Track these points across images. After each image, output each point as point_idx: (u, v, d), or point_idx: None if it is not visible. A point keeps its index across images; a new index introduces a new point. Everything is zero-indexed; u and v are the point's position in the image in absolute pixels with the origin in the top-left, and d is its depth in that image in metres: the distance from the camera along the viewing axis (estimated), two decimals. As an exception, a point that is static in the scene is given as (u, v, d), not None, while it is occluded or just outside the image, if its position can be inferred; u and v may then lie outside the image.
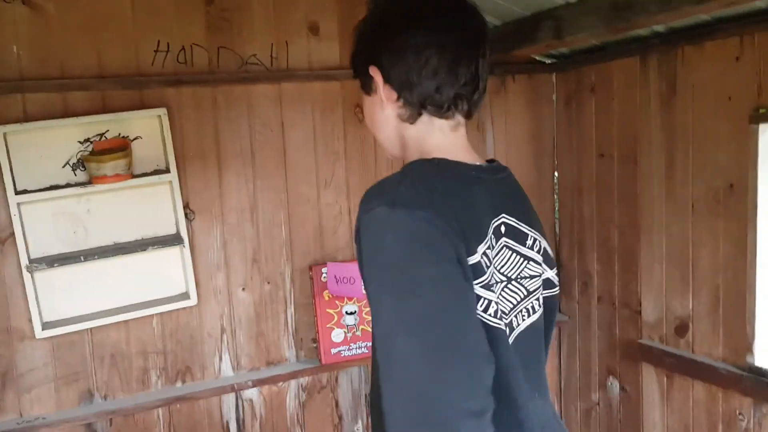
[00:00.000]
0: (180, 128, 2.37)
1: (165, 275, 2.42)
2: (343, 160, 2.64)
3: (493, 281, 1.01)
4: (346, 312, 2.63)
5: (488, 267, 1.00)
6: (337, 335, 2.62)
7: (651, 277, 2.55)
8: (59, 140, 2.22)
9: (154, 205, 2.37)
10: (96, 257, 2.25)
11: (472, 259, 0.96)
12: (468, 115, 1.12)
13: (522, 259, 1.11)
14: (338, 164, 2.64)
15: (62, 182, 2.23)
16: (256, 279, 2.55)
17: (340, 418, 2.73)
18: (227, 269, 2.50)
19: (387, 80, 1.08)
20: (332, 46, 2.57)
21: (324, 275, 2.59)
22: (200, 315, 2.48)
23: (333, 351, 2.62)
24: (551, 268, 1.21)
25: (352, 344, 2.63)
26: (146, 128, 2.32)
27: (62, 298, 2.29)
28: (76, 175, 2.25)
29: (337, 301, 2.62)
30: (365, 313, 2.65)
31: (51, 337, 2.27)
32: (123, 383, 2.40)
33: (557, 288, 1.25)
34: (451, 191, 1.00)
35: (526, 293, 1.13)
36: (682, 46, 2.30)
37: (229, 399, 2.55)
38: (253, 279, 2.54)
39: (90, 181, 2.21)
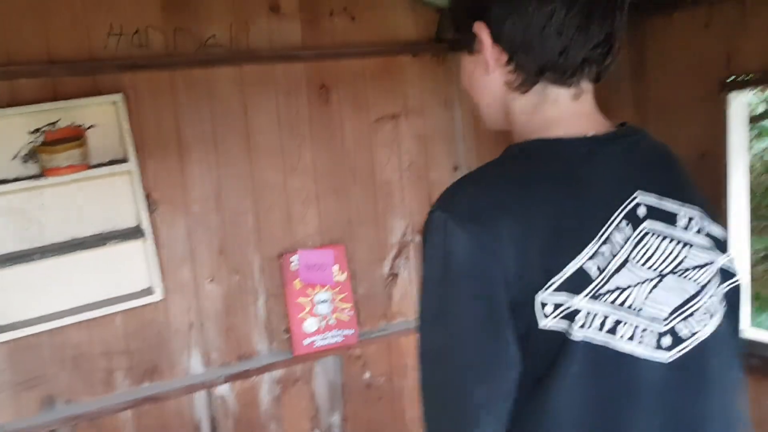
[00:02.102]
0: (138, 115, 2.25)
1: (127, 270, 2.30)
2: (309, 143, 2.55)
3: (617, 285, 0.81)
4: (319, 300, 2.55)
5: (602, 270, 0.80)
6: (310, 325, 2.54)
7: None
8: (7, 131, 2.08)
9: (113, 196, 2.25)
10: (52, 254, 2.12)
11: (567, 271, 0.79)
12: (596, 80, 0.91)
13: (679, 245, 0.86)
14: (305, 148, 2.55)
15: (11, 176, 2.10)
16: (224, 270, 2.45)
17: (317, 410, 2.66)
18: (193, 261, 2.40)
19: (497, 39, 0.88)
20: (294, 25, 2.47)
21: (294, 263, 2.50)
22: (166, 310, 2.37)
23: (306, 341, 2.54)
24: (725, 252, 0.94)
25: (326, 333, 2.56)
26: (101, 116, 2.19)
27: (17, 299, 2.15)
28: (27, 167, 2.11)
29: (308, 290, 2.54)
30: (338, 301, 2.58)
31: (6, 342, 2.13)
32: (87, 386, 2.28)
33: (737, 278, 0.96)
34: (545, 189, 0.82)
35: (695, 291, 0.87)
36: (651, 15, 2.28)
37: (200, 397, 2.45)
38: (220, 270, 2.44)
39: (42, 174, 2.08)
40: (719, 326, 0.89)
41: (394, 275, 2.74)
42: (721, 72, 2.10)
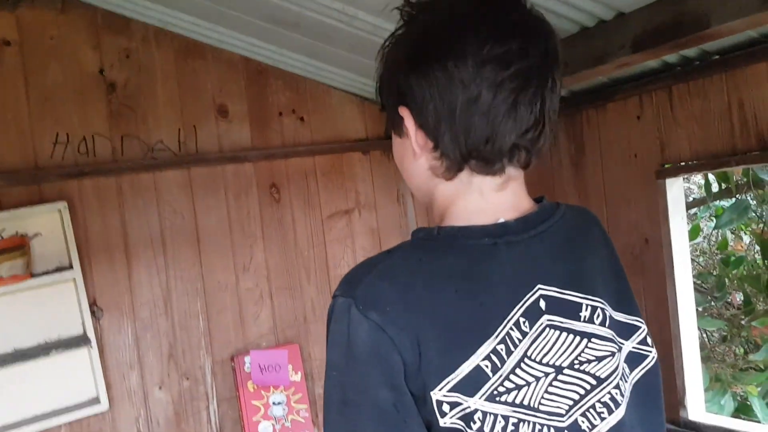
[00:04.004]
0: (83, 221, 2.24)
1: (72, 380, 2.23)
2: (261, 242, 2.56)
3: (515, 383, 0.79)
4: (273, 402, 2.49)
5: (499, 369, 0.78)
6: (265, 428, 2.46)
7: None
8: (-52, 243, 2.06)
9: (57, 305, 2.21)
10: (-7, 367, 2.06)
11: (462, 371, 0.76)
12: (525, 166, 0.86)
13: (577, 337, 0.84)
14: (256, 247, 2.55)
15: (-47, 288, 2.06)
16: (174, 376, 2.39)
17: None
18: (141, 368, 2.34)
19: (421, 125, 0.84)
20: (243, 127, 2.52)
21: (247, 365, 2.46)
22: (113, 420, 2.29)
23: (262, 446, 2.46)
24: (631, 336, 0.92)
25: (281, 437, 2.48)
26: (46, 224, 2.18)
27: (-45, 416, 2.08)
28: (-32, 278, 2.08)
29: (263, 392, 2.48)
30: (294, 402, 2.51)
31: (-57, 461, 2.05)
32: (28, 505, 2.17)
33: (652, 355, 0.93)
34: (443, 285, 0.79)
35: (594, 382, 0.84)
36: (586, 108, 2.36)
37: None
38: (170, 376, 2.38)
39: (-16, 285, 2.05)
40: (625, 417, 0.86)
41: (352, 372, 2.68)
42: (657, 159, 2.16)
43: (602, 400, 0.84)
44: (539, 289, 0.82)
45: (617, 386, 0.86)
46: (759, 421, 2.82)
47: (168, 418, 2.38)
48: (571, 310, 0.84)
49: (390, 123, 0.91)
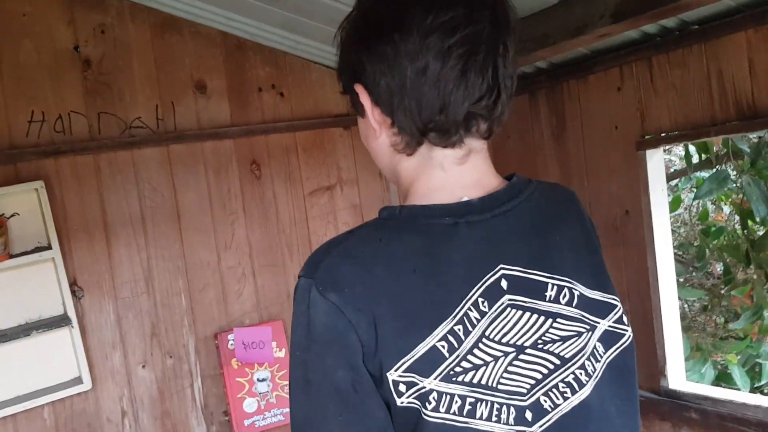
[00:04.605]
0: (61, 200, 2.22)
1: (54, 360, 2.22)
2: (242, 219, 2.54)
3: (472, 363, 0.79)
4: (258, 379, 2.49)
5: (456, 349, 0.78)
6: (250, 405, 2.47)
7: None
8: (-77, 224, 2.04)
9: (37, 285, 2.19)
10: (-27, 348, 2.05)
11: (417, 352, 0.76)
12: (488, 136, 0.85)
13: (541, 317, 0.83)
14: (238, 224, 2.53)
15: (-71, 269, 2.04)
16: (157, 354, 2.38)
17: (261, 493, 2.56)
18: (123, 347, 2.33)
19: (377, 102, 0.84)
20: (222, 103, 2.49)
21: (231, 342, 2.45)
22: (96, 399, 2.29)
23: (247, 422, 2.46)
24: (608, 315, 0.90)
25: (266, 413, 2.49)
26: (23, 203, 2.16)
27: (-64, 398, 2.07)
28: (-55, 260, 2.06)
29: (247, 369, 2.48)
30: (278, 378, 2.52)
31: (-75, 443, 2.04)
32: (14, 485, 2.17)
33: (628, 335, 0.92)
34: (403, 266, 0.79)
35: (558, 362, 0.83)
36: (567, 80, 2.36)
37: (137, 488, 2.35)
38: (153, 354, 2.38)
39: (-39, 266, 2.03)
40: (591, 396, 0.85)
41: (336, 348, 2.69)
42: (637, 130, 2.16)
43: (566, 380, 0.84)
44: (501, 269, 0.82)
45: (583, 366, 0.85)
46: (738, 389, 2.87)
47: (152, 397, 2.38)
48: (536, 290, 0.84)
49: (352, 104, 0.90)
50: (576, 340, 0.85)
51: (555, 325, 0.84)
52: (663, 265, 2.15)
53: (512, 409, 0.80)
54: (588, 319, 0.87)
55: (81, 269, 2.26)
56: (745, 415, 1.93)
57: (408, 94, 0.80)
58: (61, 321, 2.19)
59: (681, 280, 3.34)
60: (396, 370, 0.77)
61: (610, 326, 0.90)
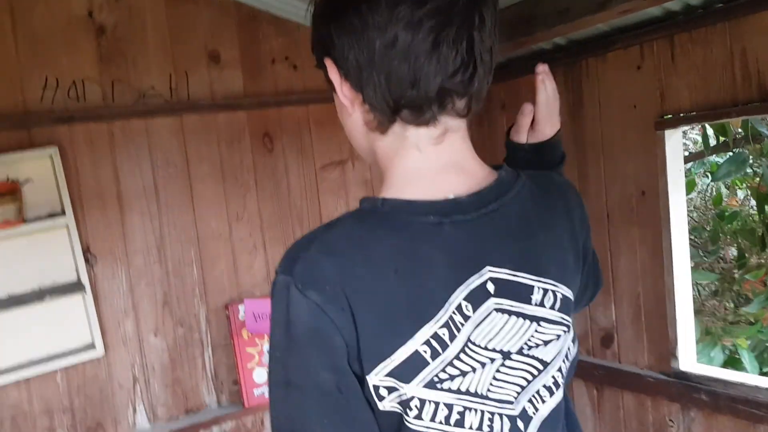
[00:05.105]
0: (75, 167, 2.22)
1: (67, 326, 2.24)
2: (254, 191, 2.54)
3: (459, 369, 0.76)
4: (267, 350, 2.50)
5: (439, 354, 0.75)
6: (260, 375, 2.49)
7: (574, 290, 2.54)
8: (-62, 187, 2.04)
9: (50, 251, 2.20)
10: (-14, 312, 2.06)
11: (398, 356, 0.74)
12: (466, 113, 0.81)
13: (527, 321, 0.81)
14: (249, 196, 2.53)
15: (-56, 233, 2.05)
16: (168, 323, 2.40)
17: (268, 463, 2.59)
18: (136, 315, 2.35)
19: (345, 76, 0.80)
20: (235, 74, 2.48)
21: (241, 313, 2.46)
22: (108, 366, 2.31)
23: (257, 392, 2.48)
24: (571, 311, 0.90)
25: (275, 384, 2.50)
26: (37, 170, 2.16)
27: (-50, 360, 2.09)
28: (-41, 224, 2.07)
29: (257, 339, 2.49)
30: (288, 350, 2.53)
31: (-61, 405, 2.06)
32: (26, 448, 2.20)
33: (576, 340, 0.91)
34: (385, 265, 0.75)
35: (541, 367, 0.83)
36: (585, 57, 2.32)
37: (146, 454, 2.38)
38: (165, 323, 2.39)
39: (-25, 230, 2.04)
40: (560, 396, 0.85)
41: (345, 321, 2.70)
42: (656, 110, 2.13)
43: (546, 384, 0.83)
44: (488, 271, 0.79)
45: (559, 369, 0.85)
46: (748, 373, 2.86)
47: (163, 365, 2.40)
48: (523, 294, 0.81)
49: (326, 80, 0.86)
50: (555, 343, 0.84)
51: (539, 329, 0.82)
52: (678, 246, 2.13)
53: (505, 418, 0.78)
54: (565, 320, 0.86)
55: (94, 236, 2.26)
56: (757, 397, 1.93)
57: (377, 68, 0.76)
58: (75, 287, 2.20)
59: (692, 264, 3.32)
60: (376, 375, 0.74)
61: (573, 335, 0.89)
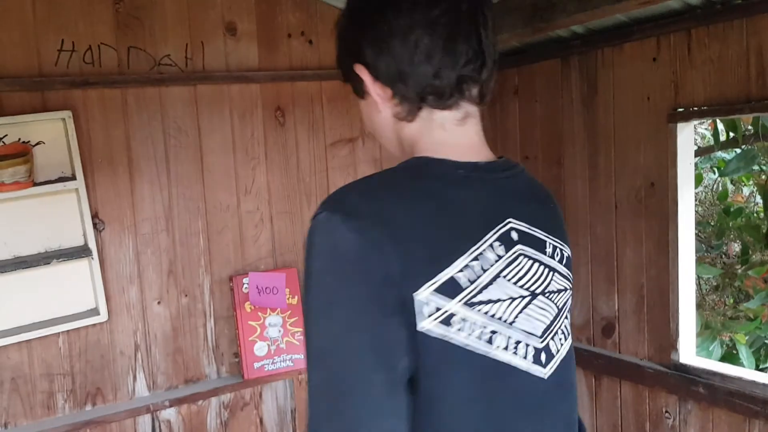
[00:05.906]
0: (87, 132, 2.22)
1: (72, 290, 2.25)
2: (264, 165, 2.54)
3: (489, 297, 0.85)
4: (270, 324, 2.52)
5: (475, 280, 0.83)
6: (260, 348, 2.51)
7: (578, 279, 2.55)
8: (-50, 145, 2.04)
9: (59, 214, 2.21)
10: (-6, 272, 2.07)
11: (441, 277, 0.81)
12: (480, 101, 0.96)
13: (547, 269, 0.94)
14: (259, 170, 2.53)
15: (-46, 191, 2.05)
16: (173, 292, 2.41)
17: (266, 435, 2.61)
18: (140, 282, 2.36)
19: (377, 77, 0.93)
20: (251, 47, 2.47)
21: (245, 286, 2.48)
22: (111, 332, 2.32)
23: (256, 365, 2.50)
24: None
25: (276, 357, 2.52)
26: (50, 132, 2.16)
27: (-45, 318, 2.10)
28: (-31, 183, 2.07)
29: (259, 313, 2.51)
30: (289, 325, 2.55)
31: (-57, 361, 2.07)
32: (26, 409, 2.22)
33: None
34: (421, 197, 0.85)
35: (557, 312, 0.95)
36: (602, 47, 2.32)
37: (145, 421, 2.39)
38: (169, 292, 2.40)
39: (-15, 190, 2.04)
40: (570, 345, 0.98)
41: (348, 299, 2.71)
42: (669, 102, 2.13)
43: (562, 327, 0.96)
44: (510, 222, 0.90)
45: (567, 317, 0.99)
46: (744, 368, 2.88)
47: (165, 333, 2.41)
48: (539, 245, 0.94)
49: (354, 91, 0.99)
50: (564, 294, 0.98)
51: (554, 278, 0.95)
52: (684, 239, 2.14)
53: (530, 347, 0.88)
54: (570, 277, 1.01)
55: (103, 202, 2.27)
56: (753, 392, 1.95)
57: (405, 66, 0.90)
58: (81, 252, 2.20)
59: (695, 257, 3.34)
60: (426, 289, 0.80)
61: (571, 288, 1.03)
